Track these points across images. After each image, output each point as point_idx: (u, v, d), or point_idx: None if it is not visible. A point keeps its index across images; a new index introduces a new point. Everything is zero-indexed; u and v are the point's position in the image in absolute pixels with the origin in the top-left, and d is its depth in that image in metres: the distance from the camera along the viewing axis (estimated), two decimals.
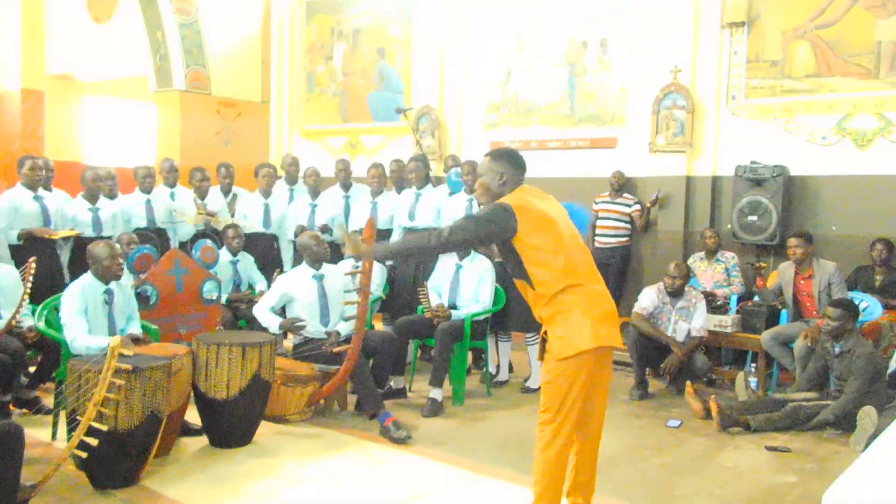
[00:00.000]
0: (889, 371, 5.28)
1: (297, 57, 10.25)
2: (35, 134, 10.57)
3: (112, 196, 6.63)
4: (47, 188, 6.36)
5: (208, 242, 6.11)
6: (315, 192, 7.15)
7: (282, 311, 5.40)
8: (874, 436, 4.30)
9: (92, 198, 6.46)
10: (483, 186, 3.32)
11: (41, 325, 4.77)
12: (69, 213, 6.33)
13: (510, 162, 3.31)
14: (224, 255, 6.25)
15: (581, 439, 3.30)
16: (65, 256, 6.29)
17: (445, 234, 3.18)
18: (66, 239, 6.22)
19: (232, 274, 6.26)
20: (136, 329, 4.77)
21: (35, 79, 10.87)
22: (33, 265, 4.77)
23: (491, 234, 3.17)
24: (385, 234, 6.68)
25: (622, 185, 7.40)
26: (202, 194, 7.08)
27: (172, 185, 7.09)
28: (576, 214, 3.58)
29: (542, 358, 3.25)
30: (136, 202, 6.82)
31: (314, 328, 5.27)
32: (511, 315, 5.94)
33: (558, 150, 8.04)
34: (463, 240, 3.22)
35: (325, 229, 6.74)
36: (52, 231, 6.08)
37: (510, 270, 3.31)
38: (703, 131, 7.12)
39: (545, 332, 3.23)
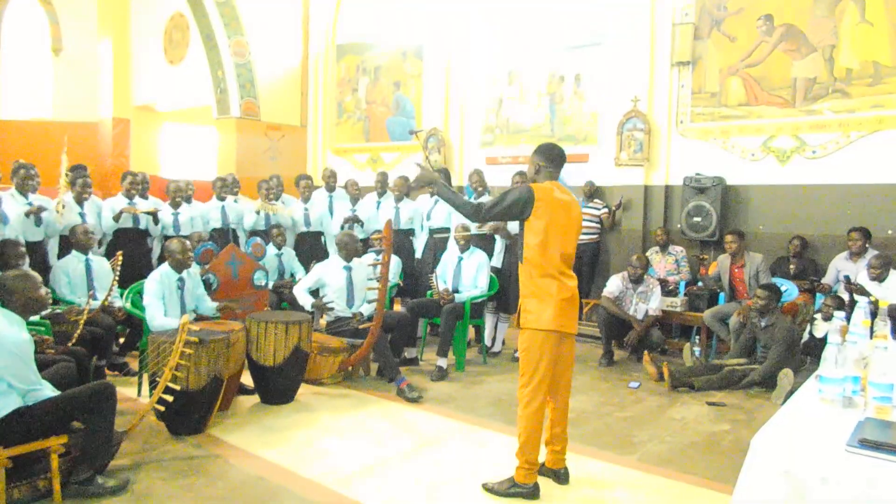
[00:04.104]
0: (803, 341, 5.29)
1: (329, 89, 10.26)
2: (123, 153, 10.64)
3: (188, 201, 6.70)
4: (143, 196, 6.42)
5: (258, 239, 6.14)
6: (355, 200, 7.13)
7: (315, 293, 5.43)
8: (791, 392, 4.31)
9: (175, 204, 6.52)
10: (526, 173, 3.36)
11: (128, 305, 4.83)
12: (150, 226, 6.33)
13: (546, 156, 3.24)
14: (271, 249, 6.29)
15: (553, 400, 3.32)
16: (156, 251, 6.36)
17: (482, 207, 3.17)
18: (155, 219, 6.22)
19: (277, 265, 6.30)
20: (210, 305, 4.83)
21: (123, 109, 10.95)
22: (121, 258, 4.81)
23: (513, 212, 3.14)
24: (406, 233, 6.70)
25: (593, 193, 7.40)
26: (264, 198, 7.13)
27: (235, 194, 7.11)
28: None
29: (518, 325, 3.25)
30: (213, 207, 6.90)
31: (342, 309, 5.29)
32: (511, 299, 5.95)
33: None
34: (495, 214, 3.17)
35: (357, 219, 6.82)
36: (137, 208, 6.16)
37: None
38: (658, 149, 7.11)
39: (521, 305, 3.22)
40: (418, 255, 6.62)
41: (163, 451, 3.69)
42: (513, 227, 6.00)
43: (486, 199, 6.21)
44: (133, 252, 5.79)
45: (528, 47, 8.15)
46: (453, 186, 7.44)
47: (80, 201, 5.85)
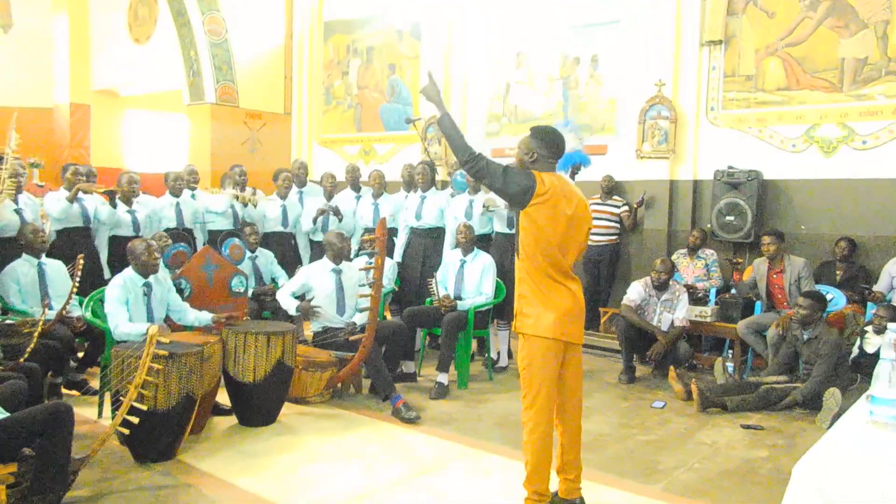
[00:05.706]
0: (852, 356, 5.28)
1: (316, 72, 10.27)
2: (82, 143, 10.68)
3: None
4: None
5: (236, 241, 6.13)
6: (330, 195, 7.17)
7: (301, 298, 5.42)
8: (838, 415, 4.31)
9: (128, 201, 6.41)
10: (516, 158, 3.26)
11: (88, 315, 4.82)
12: (104, 212, 6.24)
13: (545, 143, 3.20)
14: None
15: (563, 422, 3.31)
16: (104, 254, 6.26)
17: (481, 162, 3.09)
18: (112, 202, 6.19)
19: (251, 269, 6.25)
20: (205, 316, 4.76)
21: (82, 94, 10.98)
22: (81, 261, 4.80)
23: (509, 189, 3.09)
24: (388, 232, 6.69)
25: (611, 189, 7.40)
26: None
27: (193, 188, 7.03)
28: (576, 157, 3.52)
29: (515, 329, 3.26)
30: (166, 204, 6.74)
31: (331, 318, 5.28)
32: (511, 305, 5.93)
33: None
34: (486, 177, 3.10)
35: (336, 211, 6.88)
36: (94, 186, 6.12)
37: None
38: (685, 139, 7.11)
39: (517, 307, 3.24)
40: (398, 257, 6.61)
41: (126, 479, 3.67)
42: (501, 201, 6.04)
43: (480, 195, 6.25)
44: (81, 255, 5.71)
45: (537, 26, 8.15)
46: (445, 182, 7.47)
47: (13, 197, 5.62)
